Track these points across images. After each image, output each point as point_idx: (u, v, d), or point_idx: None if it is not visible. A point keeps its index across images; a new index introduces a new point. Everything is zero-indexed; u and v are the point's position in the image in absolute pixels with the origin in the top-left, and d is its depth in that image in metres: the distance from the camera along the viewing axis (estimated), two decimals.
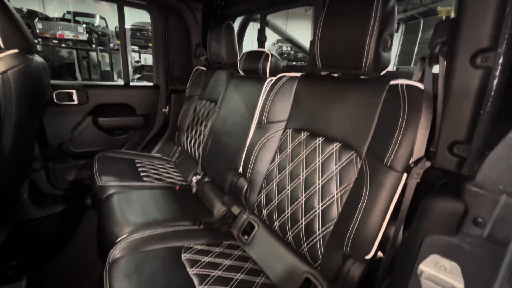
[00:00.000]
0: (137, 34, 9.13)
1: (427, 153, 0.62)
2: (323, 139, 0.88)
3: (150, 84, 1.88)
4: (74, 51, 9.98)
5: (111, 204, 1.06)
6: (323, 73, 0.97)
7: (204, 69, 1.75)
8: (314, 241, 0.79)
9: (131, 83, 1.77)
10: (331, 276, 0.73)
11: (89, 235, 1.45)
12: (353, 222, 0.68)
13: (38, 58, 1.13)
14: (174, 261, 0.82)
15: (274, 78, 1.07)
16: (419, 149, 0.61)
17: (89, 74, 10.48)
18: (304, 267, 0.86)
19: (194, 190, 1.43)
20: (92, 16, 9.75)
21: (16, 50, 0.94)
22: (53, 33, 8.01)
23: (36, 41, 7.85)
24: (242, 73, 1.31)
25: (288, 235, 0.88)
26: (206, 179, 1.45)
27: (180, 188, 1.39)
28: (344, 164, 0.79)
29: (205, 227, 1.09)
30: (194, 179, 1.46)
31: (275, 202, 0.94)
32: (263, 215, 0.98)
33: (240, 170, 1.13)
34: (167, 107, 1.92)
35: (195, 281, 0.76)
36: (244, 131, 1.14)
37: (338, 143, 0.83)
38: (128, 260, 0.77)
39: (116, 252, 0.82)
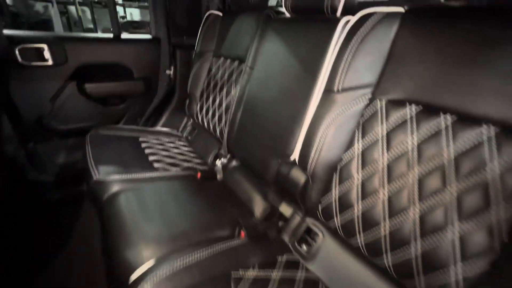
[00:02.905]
0: None
1: None
2: (455, 118, 0.54)
3: (148, 36, 1.44)
4: (50, 5, 8.79)
5: (118, 210, 0.76)
6: (452, 2, 0.59)
7: (220, 14, 1.30)
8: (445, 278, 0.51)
9: (123, 35, 1.33)
10: None
11: (92, 228, 1.18)
12: None
13: None
14: None
15: (354, 18, 0.68)
16: None
17: (70, 31, 9.44)
18: None
19: (219, 176, 1.13)
20: None
21: None
22: None
23: None
24: (288, 14, 0.90)
25: (385, 259, 0.60)
26: (234, 162, 1.14)
27: (202, 175, 1.08)
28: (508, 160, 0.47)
29: (247, 233, 0.80)
30: (219, 163, 1.14)
31: (357, 209, 0.65)
32: (336, 224, 0.70)
33: (295, 157, 0.81)
34: (171, 67, 1.51)
35: None
36: (300, 101, 0.78)
37: (492, 126, 0.49)
38: None
39: None
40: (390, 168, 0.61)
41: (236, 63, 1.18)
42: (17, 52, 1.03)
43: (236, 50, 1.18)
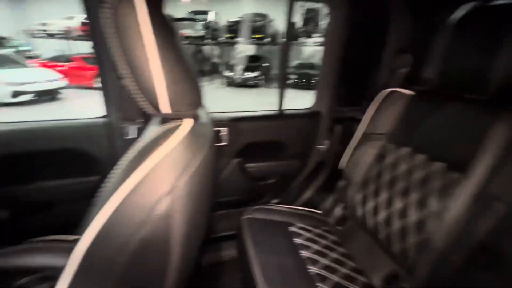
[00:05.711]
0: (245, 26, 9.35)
1: None
2: None
3: (307, 110, 1.34)
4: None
5: None
6: None
7: (409, 93, 1.05)
8: None
9: (286, 110, 1.27)
10: None
11: None
12: None
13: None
14: None
15: None
16: None
17: (200, 66, 11.75)
18: None
19: None
20: (205, 13, 10.60)
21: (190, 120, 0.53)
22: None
23: None
24: None
25: None
26: None
27: None
28: None
29: None
30: None
31: None
32: None
33: None
34: (325, 142, 1.35)
35: None
36: None
37: None
38: None
39: None
40: None
41: (439, 166, 0.87)
42: None
43: (442, 149, 0.87)
